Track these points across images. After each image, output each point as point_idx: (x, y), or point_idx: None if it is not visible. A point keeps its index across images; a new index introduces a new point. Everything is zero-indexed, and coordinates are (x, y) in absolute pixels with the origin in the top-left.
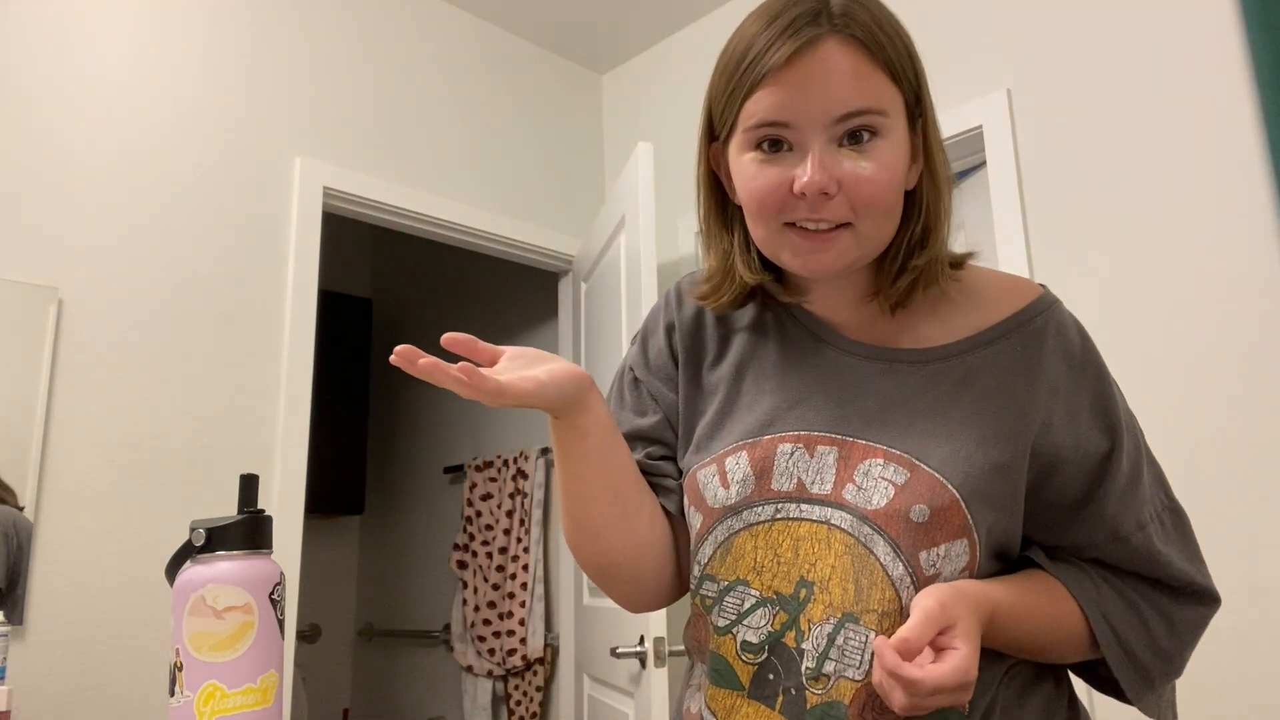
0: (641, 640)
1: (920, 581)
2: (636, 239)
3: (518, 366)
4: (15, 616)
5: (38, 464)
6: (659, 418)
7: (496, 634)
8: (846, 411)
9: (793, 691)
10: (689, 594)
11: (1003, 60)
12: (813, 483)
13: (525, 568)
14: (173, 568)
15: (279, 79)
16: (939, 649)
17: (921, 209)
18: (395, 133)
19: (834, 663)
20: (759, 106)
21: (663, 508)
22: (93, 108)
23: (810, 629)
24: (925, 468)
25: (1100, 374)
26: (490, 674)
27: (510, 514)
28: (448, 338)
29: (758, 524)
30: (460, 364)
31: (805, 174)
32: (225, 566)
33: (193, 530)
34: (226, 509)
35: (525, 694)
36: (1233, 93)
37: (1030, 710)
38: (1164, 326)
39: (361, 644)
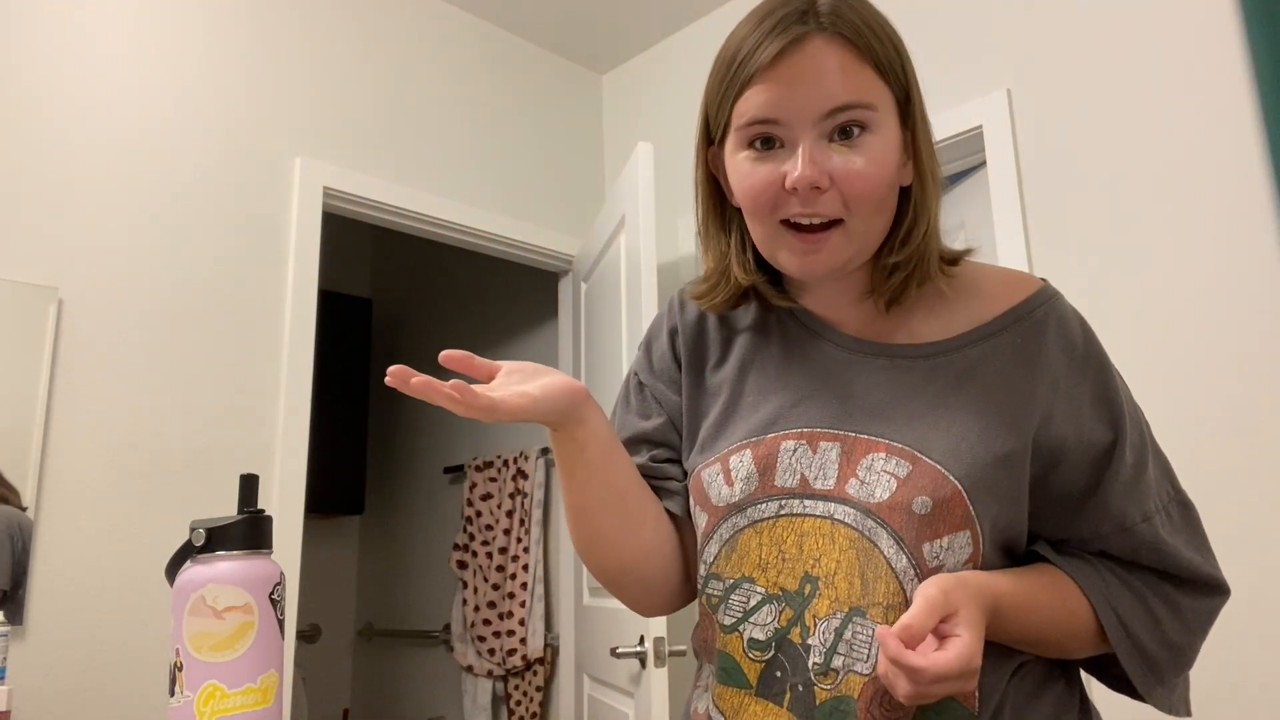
0: (641, 640)
1: (924, 574)
2: (636, 239)
3: (513, 382)
4: (15, 616)
5: (37, 464)
6: (663, 420)
7: (496, 634)
8: (849, 408)
9: (800, 688)
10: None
11: (1003, 60)
12: (816, 478)
13: (525, 568)
14: (173, 568)
15: (279, 79)
16: (942, 637)
17: (912, 206)
18: (395, 133)
19: (842, 657)
20: (749, 105)
21: (669, 512)
22: (93, 108)
23: (816, 625)
24: (927, 460)
25: (1103, 366)
26: (490, 674)
27: (510, 514)
28: (445, 355)
29: (762, 521)
30: (452, 381)
31: (795, 169)
32: (225, 566)
33: (193, 530)
34: (226, 509)
35: (525, 694)
36: (1233, 93)
37: (1041, 709)
38: (1164, 326)
39: (361, 644)
